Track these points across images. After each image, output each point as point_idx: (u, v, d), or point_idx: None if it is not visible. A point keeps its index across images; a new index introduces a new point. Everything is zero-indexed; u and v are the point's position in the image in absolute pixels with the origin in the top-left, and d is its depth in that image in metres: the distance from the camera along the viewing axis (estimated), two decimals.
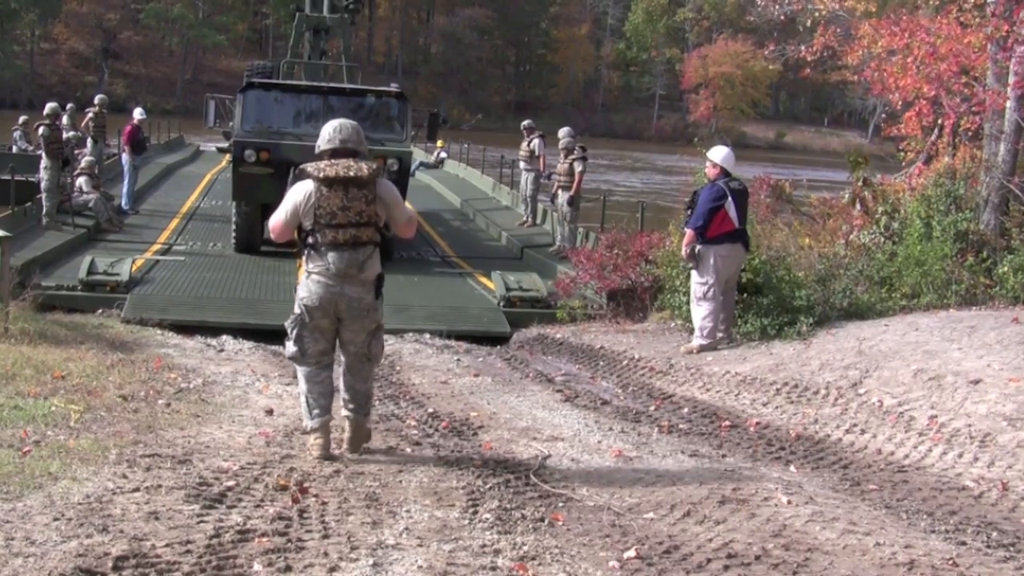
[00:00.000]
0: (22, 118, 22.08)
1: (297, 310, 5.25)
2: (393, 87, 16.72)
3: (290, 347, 5.30)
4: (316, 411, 5.27)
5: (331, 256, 5.10)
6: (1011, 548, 4.50)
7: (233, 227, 14.31)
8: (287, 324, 5.32)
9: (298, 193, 5.18)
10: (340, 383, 5.39)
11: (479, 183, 25.02)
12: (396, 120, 13.86)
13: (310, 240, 5.16)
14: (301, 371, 5.34)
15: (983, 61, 10.42)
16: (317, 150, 5.28)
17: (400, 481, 4.91)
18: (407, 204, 5.66)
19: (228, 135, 14.64)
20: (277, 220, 5.26)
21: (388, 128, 13.74)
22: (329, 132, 5.31)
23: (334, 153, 5.24)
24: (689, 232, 8.96)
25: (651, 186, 37.84)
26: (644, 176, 43.15)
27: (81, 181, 15.95)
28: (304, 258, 5.23)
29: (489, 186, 23.96)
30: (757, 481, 5.23)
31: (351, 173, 5.12)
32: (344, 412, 5.38)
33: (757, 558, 4.04)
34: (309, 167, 5.15)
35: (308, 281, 5.20)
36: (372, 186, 5.19)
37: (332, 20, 18.04)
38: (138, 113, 18.73)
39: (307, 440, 5.38)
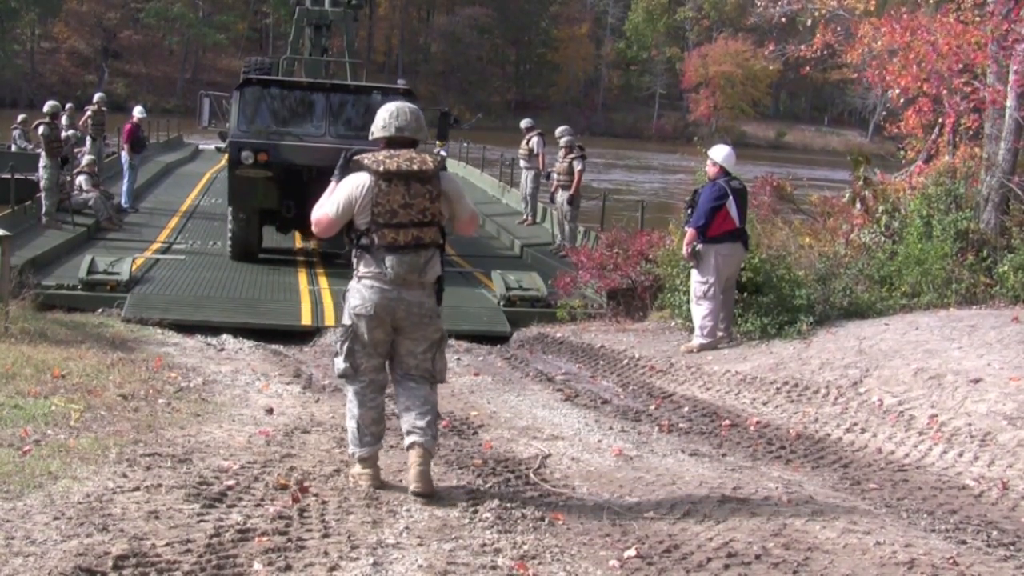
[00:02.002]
0: (21, 116, 22.07)
1: (347, 321, 4.67)
2: (400, 83, 16.26)
3: (339, 364, 4.70)
4: (367, 438, 4.70)
5: (389, 260, 4.53)
6: (1011, 547, 4.50)
7: (229, 234, 13.45)
8: (335, 337, 4.78)
9: (352, 186, 4.59)
10: (398, 410, 4.79)
11: (479, 182, 25.03)
12: None
13: (364, 241, 4.59)
14: (351, 391, 4.73)
15: (984, 59, 10.42)
16: (371, 137, 4.74)
17: (400, 480, 4.90)
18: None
19: (224, 136, 13.71)
20: (324, 214, 4.65)
21: None
22: (384, 118, 4.69)
23: (389, 142, 4.67)
24: (691, 231, 8.95)
25: (651, 185, 37.83)
26: (644, 175, 43.14)
27: (81, 180, 15.96)
28: (355, 260, 4.66)
29: (489, 185, 23.95)
30: (757, 480, 5.23)
31: (414, 167, 4.55)
32: (407, 441, 4.66)
33: (757, 557, 4.04)
34: (366, 159, 4.58)
35: (360, 287, 4.62)
36: (436, 181, 4.63)
37: (335, 14, 17.26)
38: (138, 111, 18.72)
39: (351, 469, 4.83)
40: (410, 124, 4.67)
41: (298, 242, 15.00)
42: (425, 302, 4.66)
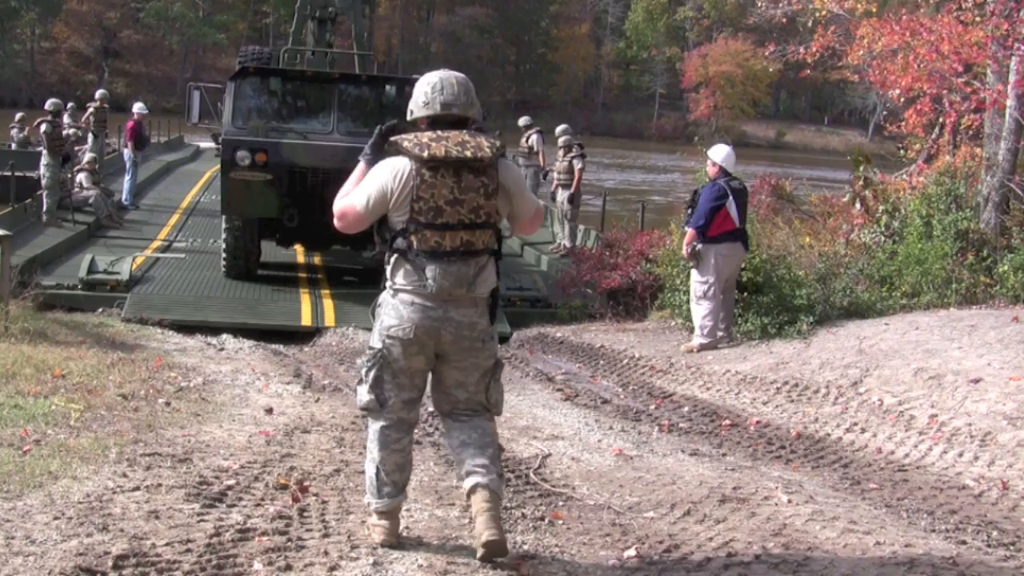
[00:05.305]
0: (19, 115, 22.07)
1: (378, 344, 3.78)
2: (415, 78, 15.27)
3: (363, 393, 3.83)
4: (387, 488, 3.85)
5: (431, 269, 3.66)
6: (1011, 547, 4.50)
7: (223, 246, 12.06)
8: (362, 362, 3.92)
9: (388, 173, 3.71)
10: (452, 448, 3.94)
11: None
12: None
13: (400, 243, 3.72)
14: (375, 428, 3.87)
15: (984, 59, 10.43)
16: (409, 117, 3.87)
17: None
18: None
19: (217, 136, 11.90)
20: (350, 205, 3.80)
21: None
22: (425, 92, 3.78)
23: (434, 123, 3.78)
24: (690, 231, 8.96)
25: (651, 185, 37.83)
26: (644, 175, 43.14)
27: (81, 177, 15.96)
28: (389, 267, 3.79)
29: None
30: (757, 480, 5.23)
31: (467, 153, 3.65)
32: (468, 483, 3.76)
33: (757, 557, 4.04)
34: (406, 141, 3.69)
35: (396, 302, 3.75)
36: (494, 171, 3.72)
37: (341, 4, 15.27)
38: (139, 108, 18.79)
39: (368, 519, 4.04)
40: (459, 98, 3.77)
41: (300, 256, 14.01)
42: (477, 322, 3.78)
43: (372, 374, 3.80)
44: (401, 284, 3.75)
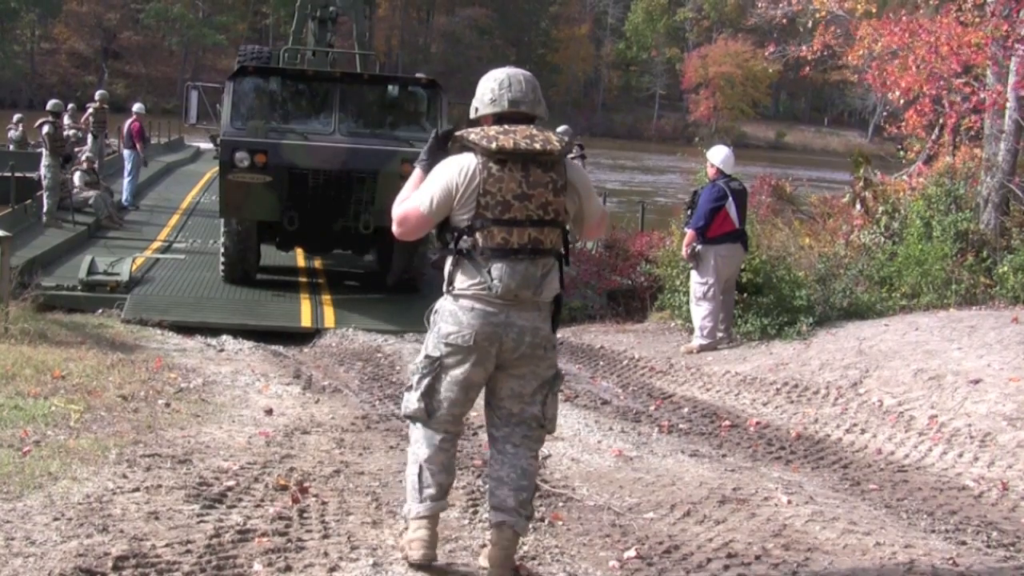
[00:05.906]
0: (17, 116, 22.08)
1: (434, 352, 3.64)
2: (419, 76, 14.83)
3: (412, 401, 3.69)
4: (430, 491, 3.66)
5: (497, 268, 3.52)
6: (1011, 548, 4.50)
7: (221, 250, 11.81)
8: (414, 368, 3.73)
9: (453, 170, 3.58)
10: (490, 476, 3.79)
11: None
12: (427, 116, 11.07)
13: (464, 243, 3.58)
14: (421, 434, 3.71)
15: (983, 60, 10.44)
16: (474, 113, 3.76)
17: (400, 481, 4.88)
18: None
19: (216, 137, 11.49)
20: (413, 208, 3.64)
21: (417, 126, 11.01)
22: (492, 89, 3.71)
23: (499, 120, 3.67)
24: (690, 232, 8.97)
25: (651, 185, 37.83)
26: (644, 175, 43.14)
27: (75, 177, 15.95)
28: (449, 270, 3.65)
29: None
30: (757, 481, 5.23)
31: (536, 146, 3.55)
32: (493, 519, 3.69)
33: (757, 558, 4.04)
34: (472, 134, 3.57)
35: (456, 308, 3.60)
36: (562, 168, 3.63)
37: (343, 2, 14.97)
38: (139, 108, 18.83)
39: (404, 536, 3.81)
40: (527, 95, 3.71)
41: (300, 260, 13.85)
42: (541, 328, 3.63)
43: (425, 382, 3.66)
44: (462, 288, 3.60)
